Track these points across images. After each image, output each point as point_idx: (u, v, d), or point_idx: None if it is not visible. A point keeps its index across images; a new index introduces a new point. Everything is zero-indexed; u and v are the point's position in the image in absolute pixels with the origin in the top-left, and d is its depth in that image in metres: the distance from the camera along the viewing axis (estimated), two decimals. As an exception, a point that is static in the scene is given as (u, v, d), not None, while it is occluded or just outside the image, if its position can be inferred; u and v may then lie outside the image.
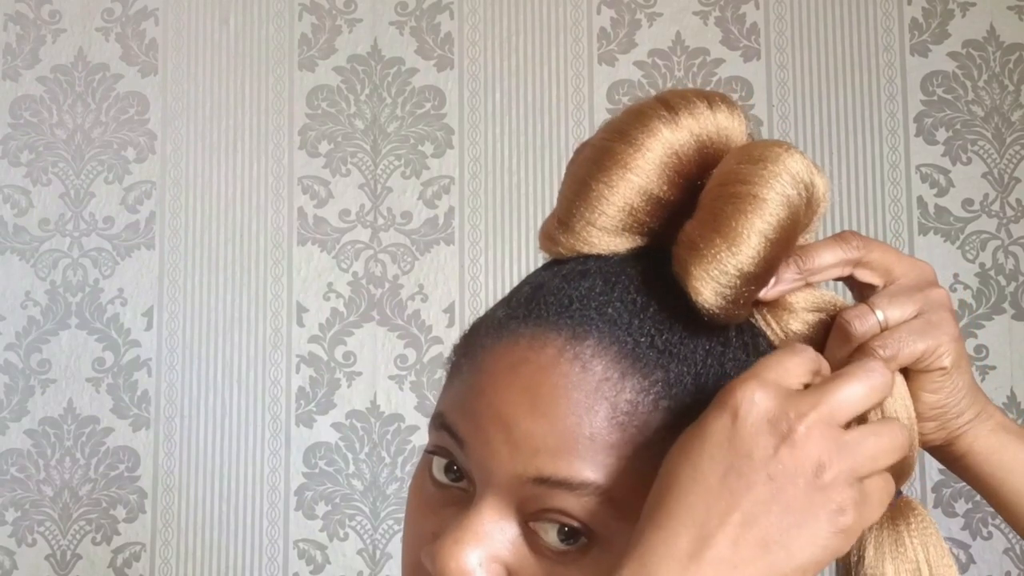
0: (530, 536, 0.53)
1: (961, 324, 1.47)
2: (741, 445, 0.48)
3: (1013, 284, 1.48)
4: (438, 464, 0.56)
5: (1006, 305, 1.48)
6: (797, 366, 0.51)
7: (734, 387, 0.49)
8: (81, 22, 1.64)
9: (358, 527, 1.53)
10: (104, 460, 1.56)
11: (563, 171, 0.62)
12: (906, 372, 0.58)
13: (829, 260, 0.57)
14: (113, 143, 1.62)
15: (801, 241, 0.58)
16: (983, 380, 1.46)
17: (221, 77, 1.62)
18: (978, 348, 1.47)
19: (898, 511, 0.56)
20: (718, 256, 0.51)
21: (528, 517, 0.52)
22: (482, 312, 0.61)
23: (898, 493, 0.57)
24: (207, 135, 1.61)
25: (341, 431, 1.54)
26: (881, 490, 0.51)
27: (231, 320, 1.57)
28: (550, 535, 0.52)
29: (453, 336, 1.52)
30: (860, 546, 0.56)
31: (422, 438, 1.53)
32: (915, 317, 0.57)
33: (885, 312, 0.56)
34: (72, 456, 1.56)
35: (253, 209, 1.59)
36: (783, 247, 0.54)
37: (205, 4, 1.63)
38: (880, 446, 0.50)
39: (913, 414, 0.57)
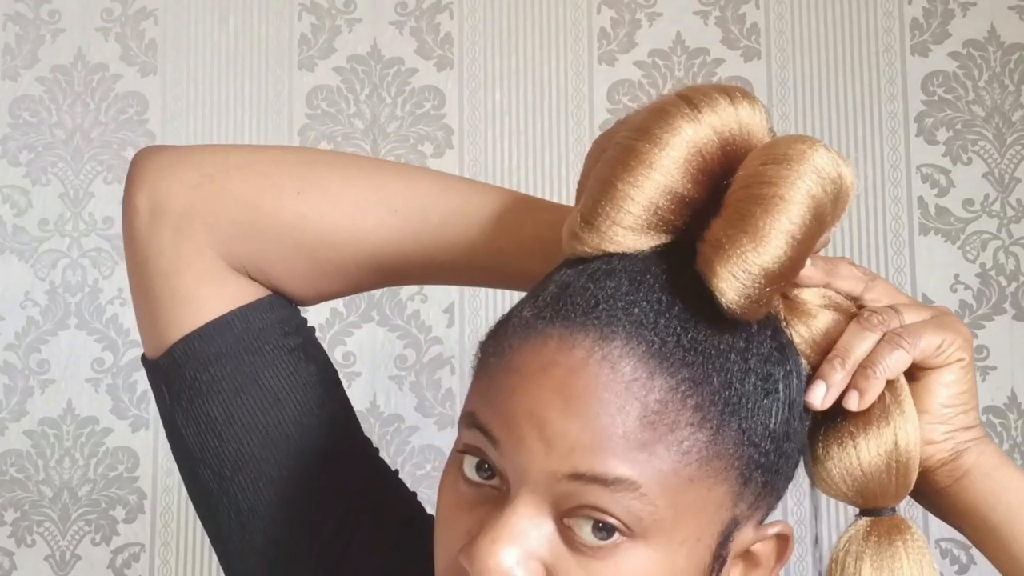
0: (565, 532, 0.54)
1: (962, 324, 1.48)
2: None
3: (1014, 284, 1.48)
4: (469, 463, 0.57)
5: (1007, 305, 1.48)
6: None
7: None
8: (80, 22, 1.64)
9: (358, 528, 1.53)
10: (103, 461, 1.56)
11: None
12: (923, 375, 0.60)
13: (849, 271, 0.60)
14: (112, 143, 1.61)
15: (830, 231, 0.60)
16: (983, 380, 1.46)
17: (220, 77, 1.62)
18: (979, 348, 1.47)
19: (895, 528, 0.58)
20: (744, 256, 0.53)
21: (563, 514, 0.54)
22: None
23: (892, 511, 0.59)
24: (206, 135, 1.61)
25: (341, 431, 1.54)
26: None
27: (231, 320, 1.57)
28: (585, 531, 0.53)
29: (453, 336, 1.52)
30: (857, 560, 0.57)
31: (422, 438, 1.53)
32: (931, 319, 0.60)
33: (905, 315, 0.59)
34: (71, 456, 1.56)
35: (253, 209, 1.59)
36: (808, 246, 0.55)
37: (204, 4, 1.63)
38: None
39: (919, 434, 0.58)
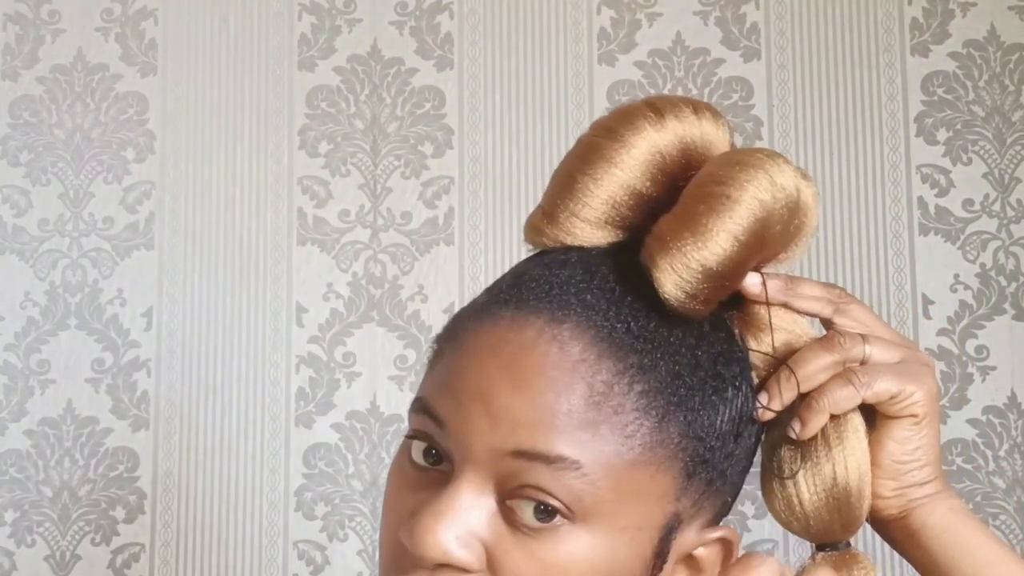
0: (507, 513, 0.54)
1: (961, 324, 1.47)
2: None
3: (1014, 284, 1.48)
4: (417, 448, 0.57)
5: (1007, 305, 1.47)
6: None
7: None
8: (80, 22, 1.64)
9: (358, 528, 1.53)
10: (103, 461, 1.56)
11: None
12: (878, 420, 0.59)
13: (813, 292, 0.60)
14: (112, 143, 1.61)
15: (794, 250, 0.59)
16: (983, 381, 1.46)
17: (220, 77, 1.62)
18: (978, 349, 1.47)
19: (843, 563, 0.58)
20: (684, 251, 0.53)
21: (505, 495, 0.54)
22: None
23: (846, 545, 0.59)
24: (206, 135, 1.61)
25: (341, 432, 1.54)
26: None
27: (230, 321, 1.57)
28: (526, 512, 0.53)
29: (453, 336, 1.52)
30: None
31: (422, 439, 1.53)
32: (897, 363, 0.59)
33: (872, 348, 0.58)
34: (71, 457, 1.56)
35: (252, 209, 1.59)
36: (753, 250, 0.55)
37: (204, 4, 1.63)
38: None
39: (868, 472, 0.58)
